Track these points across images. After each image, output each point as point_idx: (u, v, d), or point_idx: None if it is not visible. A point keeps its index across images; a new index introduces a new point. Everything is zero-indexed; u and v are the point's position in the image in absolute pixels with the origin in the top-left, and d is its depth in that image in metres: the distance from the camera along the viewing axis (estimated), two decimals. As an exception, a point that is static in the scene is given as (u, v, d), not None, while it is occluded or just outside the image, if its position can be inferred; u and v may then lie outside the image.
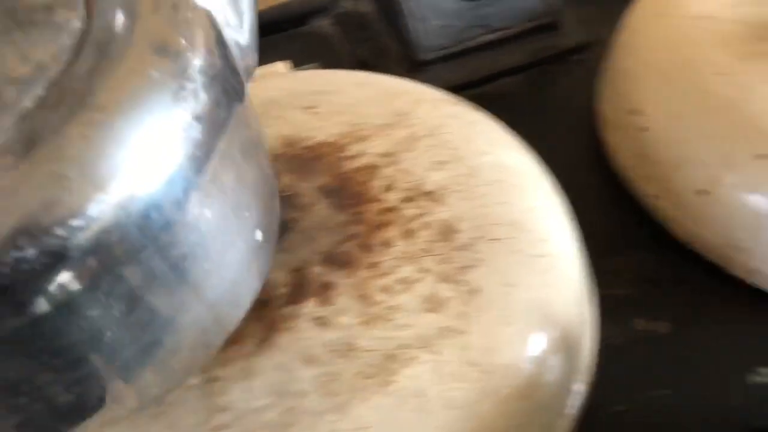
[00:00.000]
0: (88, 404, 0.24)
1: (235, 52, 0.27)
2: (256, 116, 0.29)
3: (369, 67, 0.59)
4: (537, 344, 0.32)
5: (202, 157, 0.23)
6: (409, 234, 0.35)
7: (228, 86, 0.25)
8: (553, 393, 0.33)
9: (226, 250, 0.25)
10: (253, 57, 0.29)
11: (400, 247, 0.34)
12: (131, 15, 0.23)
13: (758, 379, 0.36)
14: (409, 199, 0.37)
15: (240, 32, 0.28)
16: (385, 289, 0.33)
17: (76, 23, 0.22)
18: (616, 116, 0.46)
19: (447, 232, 0.35)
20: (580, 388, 0.35)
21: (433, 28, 0.53)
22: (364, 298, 0.32)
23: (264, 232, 0.28)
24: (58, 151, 0.20)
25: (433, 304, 0.32)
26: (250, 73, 0.29)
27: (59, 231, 0.20)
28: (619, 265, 0.42)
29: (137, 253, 0.22)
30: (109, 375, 0.24)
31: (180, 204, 0.22)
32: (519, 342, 0.32)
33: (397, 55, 0.56)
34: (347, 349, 0.31)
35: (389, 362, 0.30)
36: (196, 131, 0.22)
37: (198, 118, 0.23)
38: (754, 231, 0.38)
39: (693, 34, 0.43)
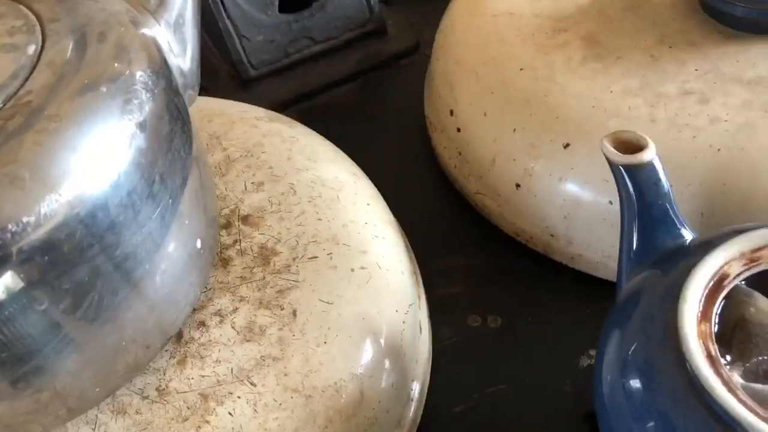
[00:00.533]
0: (29, 402, 0.26)
1: (178, 75, 0.30)
2: (198, 134, 0.32)
3: (201, 89, 0.57)
4: (361, 358, 0.32)
5: (146, 164, 0.26)
6: (225, 263, 0.34)
7: (171, 104, 0.28)
8: (385, 404, 0.32)
9: (167, 254, 0.28)
10: (195, 81, 0.33)
11: (216, 277, 0.33)
12: (83, 38, 0.26)
13: (590, 362, 0.38)
14: (225, 226, 0.36)
15: (183, 59, 0.31)
16: (200, 325, 0.32)
17: (33, 47, 0.26)
18: (438, 118, 0.46)
19: (265, 256, 0.34)
20: (415, 394, 0.35)
21: (256, 45, 0.52)
22: (177, 336, 0.31)
23: (203, 242, 0.31)
24: (13, 155, 0.23)
25: (251, 333, 0.31)
26: (193, 95, 0.33)
27: (12, 227, 0.22)
28: (451, 264, 0.42)
29: (84, 251, 0.24)
30: (51, 372, 0.26)
31: (125, 206, 0.25)
32: (341, 359, 0.31)
33: (226, 74, 0.55)
34: (160, 395, 0.29)
35: (204, 402, 0.29)
36: (140, 140, 0.25)
37: (143, 128, 0.26)
38: (569, 218, 0.39)
39: (498, 32, 0.44)
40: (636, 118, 0.37)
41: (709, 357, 0.25)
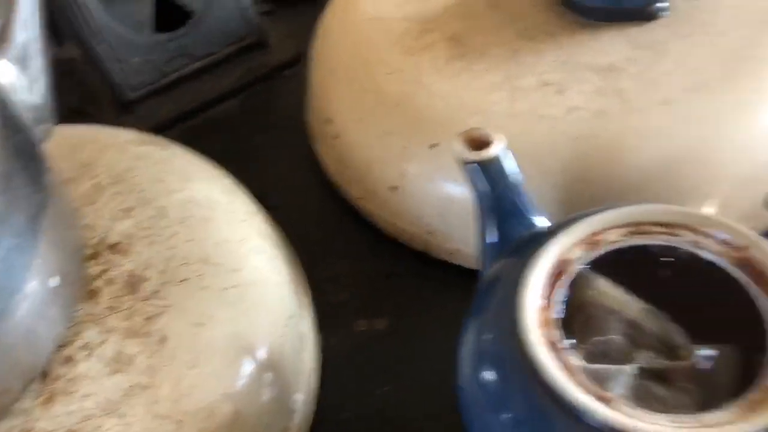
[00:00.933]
0: None
1: (26, 111, 0.30)
2: (53, 167, 0.31)
3: (82, 114, 0.56)
4: (235, 377, 0.32)
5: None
6: (92, 295, 0.33)
7: (8, 142, 0.27)
8: (265, 419, 0.32)
9: (19, 295, 0.27)
10: (47, 114, 0.32)
11: (83, 310, 0.33)
12: None
13: (476, 352, 0.38)
14: (92, 257, 0.35)
15: (30, 93, 0.30)
16: (67, 360, 0.31)
17: None
18: (318, 127, 0.47)
19: (133, 283, 0.34)
20: (299, 405, 0.35)
21: (132, 66, 0.52)
22: (42, 375, 0.31)
23: (64, 278, 0.30)
24: None
25: (120, 364, 0.31)
26: (47, 129, 0.32)
27: None
28: (338, 270, 0.42)
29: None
30: None
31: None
32: (214, 381, 0.31)
33: (105, 98, 0.54)
34: (25, 436, 0.29)
35: (72, 438, 0.29)
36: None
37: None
38: (443, 215, 0.40)
39: (368, 37, 0.44)
40: (497, 112, 0.38)
41: (551, 343, 0.25)
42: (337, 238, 0.44)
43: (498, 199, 0.31)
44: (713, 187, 0.37)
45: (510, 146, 0.37)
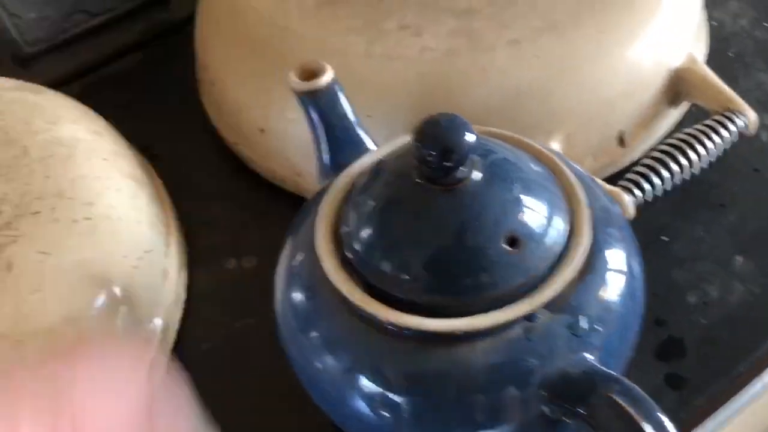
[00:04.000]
0: None
1: None
2: None
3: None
4: (79, 303, 0.33)
5: None
6: (-56, 227, 0.34)
7: None
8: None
9: None
10: None
11: (-67, 242, 0.34)
12: None
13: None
14: (-51, 193, 0.36)
15: None
16: None
17: None
18: (200, 75, 0.48)
19: (-12, 216, 0.35)
20: (153, 336, 0.37)
21: (29, 22, 0.52)
22: None
23: None
24: None
25: (-36, 289, 0.32)
26: None
27: None
28: (213, 213, 0.44)
29: None
30: None
31: None
32: (56, 305, 0.32)
33: (5, 54, 0.54)
34: None
35: None
36: None
37: None
38: (308, 156, 0.40)
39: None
40: (353, 54, 0.39)
41: (342, 259, 0.27)
42: (215, 183, 0.45)
43: (331, 127, 0.33)
44: (558, 123, 0.39)
45: (364, 86, 0.39)
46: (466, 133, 0.23)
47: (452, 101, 0.38)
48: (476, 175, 0.25)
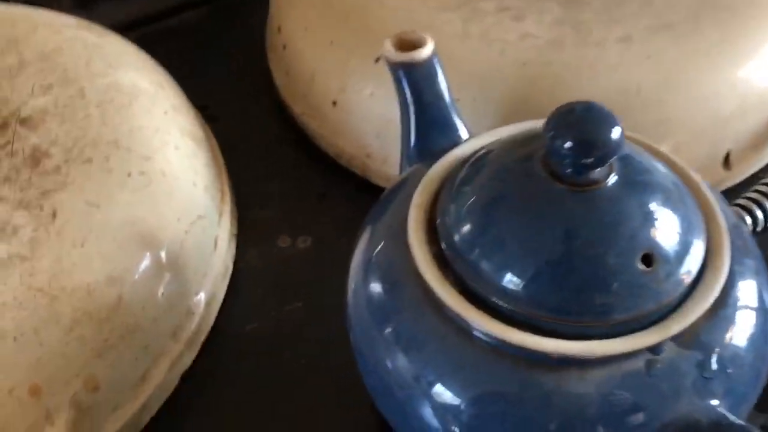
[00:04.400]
0: None
1: None
2: None
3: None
4: (122, 262, 0.30)
5: None
6: (-10, 163, 0.32)
7: None
8: (152, 312, 0.31)
9: None
10: None
11: (-21, 177, 0.31)
12: None
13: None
14: (0, 127, 0.33)
15: None
16: (-49, 223, 0.29)
17: None
18: (270, 37, 0.45)
19: (36, 158, 0.32)
20: (199, 309, 0.34)
21: (95, -39, 0.50)
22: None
23: None
24: None
25: (3, 234, 0.29)
26: None
27: None
28: (270, 186, 0.41)
29: None
30: None
31: None
32: (99, 262, 0.29)
33: (66, -7, 0.52)
34: None
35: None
36: None
37: None
38: (381, 137, 0.38)
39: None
40: (447, 32, 0.36)
41: (436, 255, 0.23)
42: (274, 154, 0.42)
43: (424, 106, 0.29)
44: (665, 132, 0.35)
45: (455, 68, 0.35)
46: (613, 128, 0.20)
47: (554, 94, 0.34)
48: (613, 178, 0.21)
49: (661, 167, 0.23)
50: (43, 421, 0.27)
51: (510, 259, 0.21)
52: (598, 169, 0.21)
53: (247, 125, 0.44)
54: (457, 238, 0.23)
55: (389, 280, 0.25)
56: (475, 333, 0.22)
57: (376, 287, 0.25)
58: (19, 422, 0.27)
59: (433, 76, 0.29)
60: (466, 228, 0.23)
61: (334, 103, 0.39)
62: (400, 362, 0.24)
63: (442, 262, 0.23)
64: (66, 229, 0.30)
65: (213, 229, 0.35)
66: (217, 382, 0.33)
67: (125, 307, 0.30)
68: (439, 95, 0.29)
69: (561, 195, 0.21)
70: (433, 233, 0.24)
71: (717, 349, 0.21)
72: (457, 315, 0.21)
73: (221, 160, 0.40)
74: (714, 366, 0.20)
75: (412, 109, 0.29)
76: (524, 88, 0.35)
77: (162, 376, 0.31)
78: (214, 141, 0.40)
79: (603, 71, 0.35)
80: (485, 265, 0.22)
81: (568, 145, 0.20)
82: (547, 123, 0.21)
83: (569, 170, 0.21)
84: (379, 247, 0.26)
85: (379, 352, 0.24)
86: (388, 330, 0.25)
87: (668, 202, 0.21)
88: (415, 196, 0.25)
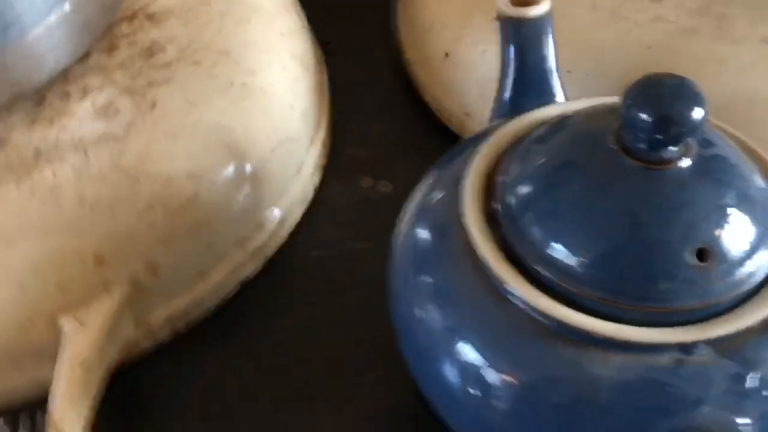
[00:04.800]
0: None
1: None
2: None
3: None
4: (205, 162, 0.31)
5: None
6: (111, 49, 0.33)
7: None
8: (223, 216, 0.32)
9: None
10: None
11: (97, 60, 0.33)
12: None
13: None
14: (129, 18, 0.35)
15: None
16: (64, 95, 0.32)
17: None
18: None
19: (152, 51, 0.34)
20: (272, 225, 0.35)
21: None
22: (39, 100, 0.31)
23: (74, 6, 0.31)
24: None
25: (106, 113, 0.31)
26: None
27: None
28: (367, 128, 0.41)
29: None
30: None
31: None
32: (184, 158, 0.31)
33: None
34: (-1, 141, 0.30)
35: (36, 159, 0.30)
36: None
37: None
38: (483, 97, 0.36)
39: None
40: (577, 2, 0.35)
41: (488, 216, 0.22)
42: (380, 99, 0.42)
43: (524, 66, 0.28)
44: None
45: (576, 38, 0.34)
46: (696, 106, 0.19)
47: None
48: (686, 162, 0.20)
49: (747, 163, 0.21)
50: (100, 289, 0.29)
51: (558, 226, 0.20)
52: (672, 148, 0.19)
53: (362, 66, 0.44)
54: (512, 198, 0.22)
55: (436, 226, 0.24)
56: (510, 297, 0.21)
57: (423, 232, 0.25)
58: (79, 284, 0.29)
59: (542, 37, 0.28)
60: (524, 189, 0.22)
61: (447, 54, 0.38)
62: (429, 311, 0.24)
63: (492, 220, 0.22)
64: (161, 121, 0.31)
65: (300, 154, 0.36)
66: (273, 296, 0.34)
67: (199, 204, 0.31)
68: (543, 57, 0.28)
69: (625, 169, 0.20)
70: (491, 190, 0.23)
71: (761, 368, 0.19)
72: (494, 274, 0.21)
73: (327, 93, 0.40)
74: (753, 384, 0.18)
75: (512, 64, 0.29)
76: (642, 72, 0.33)
77: (221, 277, 0.33)
78: (325, 74, 0.41)
79: (734, 70, 0.32)
80: (534, 229, 0.21)
81: (643, 115, 0.19)
82: (629, 90, 0.20)
83: (640, 143, 0.19)
84: (435, 191, 0.25)
85: (411, 296, 0.24)
86: (424, 277, 0.24)
87: (743, 200, 0.19)
88: (483, 147, 0.24)
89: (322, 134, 0.38)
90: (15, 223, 0.28)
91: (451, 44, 0.38)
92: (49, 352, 0.29)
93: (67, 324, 0.28)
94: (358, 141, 0.41)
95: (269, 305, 0.34)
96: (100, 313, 0.29)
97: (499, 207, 0.22)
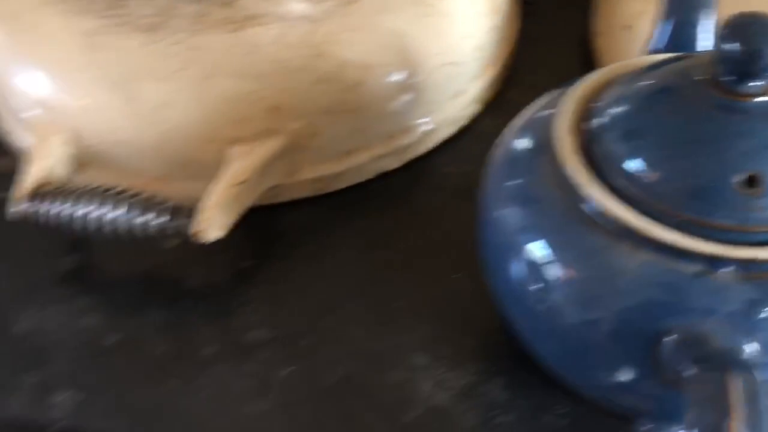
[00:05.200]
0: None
1: None
2: None
3: None
4: (376, 59, 0.36)
5: None
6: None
7: None
8: (379, 109, 0.37)
9: None
10: None
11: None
12: None
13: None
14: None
15: None
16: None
17: None
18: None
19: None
20: (415, 131, 0.39)
21: None
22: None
23: None
24: None
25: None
26: None
27: None
28: (541, 81, 0.41)
29: None
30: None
31: None
32: (361, 49, 0.36)
33: None
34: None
35: (251, 20, 0.35)
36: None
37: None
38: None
39: None
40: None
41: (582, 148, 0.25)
42: (563, 58, 0.44)
43: (678, 23, 0.30)
44: None
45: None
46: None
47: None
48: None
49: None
50: (266, 133, 0.35)
51: (636, 143, 0.23)
52: (756, 83, 0.20)
53: (555, 26, 0.47)
54: (600, 118, 0.25)
55: (531, 138, 0.27)
56: (587, 204, 0.23)
57: (522, 142, 0.28)
58: (254, 124, 0.35)
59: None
60: (612, 111, 0.25)
61: (630, 27, 0.40)
62: (510, 211, 0.27)
63: (581, 137, 0.25)
64: (356, 14, 0.36)
65: (465, 80, 0.40)
66: (405, 192, 0.39)
67: (361, 92, 0.36)
68: (699, 13, 0.29)
69: (709, 97, 0.22)
70: (586, 114, 0.25)
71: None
72: (574, 181, 0.23)
73: (515, 38, 0.44)
74: (765, 314, 0.19)
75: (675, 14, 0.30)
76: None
77: (363, 161, 0.38)
78: (518, 21, 0.45)
79: None
80: (614, 145, 0.24)
81: (734, 46, 0.20)
82: (723, 24, 0.21)
83: (727, 75, 0.21)
84: (544, 111, 0.28)
85: (496, 198, 0.27)
86: (513, 179, 0.27)
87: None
88: (587, 78, 0.26)
89: (494, 72, 0.42)
90: (220, 63, 0.35)
91: (635, 18, 0.39)
92: (211, 174, 0.35)
93: (237, 150, 0.34)
94: (527, 89, 0.43)
95: (399, 198, 0.39)
96: (263, 150, 0.35)
97: (590, 126, 0.25)
